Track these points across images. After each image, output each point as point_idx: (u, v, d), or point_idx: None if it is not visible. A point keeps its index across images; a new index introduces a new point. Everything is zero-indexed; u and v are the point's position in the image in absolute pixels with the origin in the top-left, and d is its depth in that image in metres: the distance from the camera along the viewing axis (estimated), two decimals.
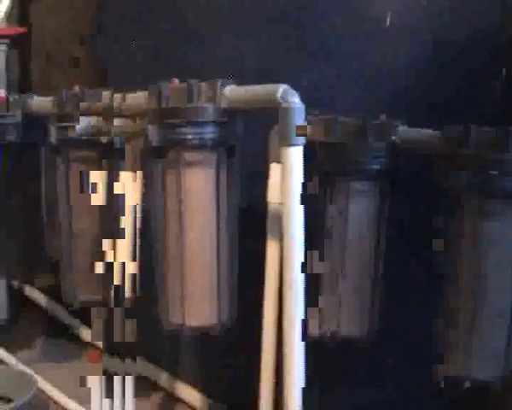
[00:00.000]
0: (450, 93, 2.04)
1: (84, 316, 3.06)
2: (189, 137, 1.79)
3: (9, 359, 2.99)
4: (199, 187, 1.83)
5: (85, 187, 2.12)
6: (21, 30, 3.09)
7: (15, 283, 3.34)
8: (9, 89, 3.18)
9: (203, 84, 1.80)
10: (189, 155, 1.81)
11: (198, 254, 1.85)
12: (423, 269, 2.00)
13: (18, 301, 3.39)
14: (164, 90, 1.84)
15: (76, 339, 3.20)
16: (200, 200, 1.84)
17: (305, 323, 1.71)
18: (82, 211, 2.16)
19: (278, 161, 2.05)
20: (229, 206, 1.87)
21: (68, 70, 3.32)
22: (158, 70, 2.64)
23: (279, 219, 2.07)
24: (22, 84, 3.46)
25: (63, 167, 2.16)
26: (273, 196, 2.08)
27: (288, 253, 1.68)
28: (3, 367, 2.89)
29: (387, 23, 2.10)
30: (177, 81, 1.88)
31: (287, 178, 1.67)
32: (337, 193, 1.98)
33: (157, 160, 1.86)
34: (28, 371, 2.80)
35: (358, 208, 1.97)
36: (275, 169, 2.08)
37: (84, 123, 2.00)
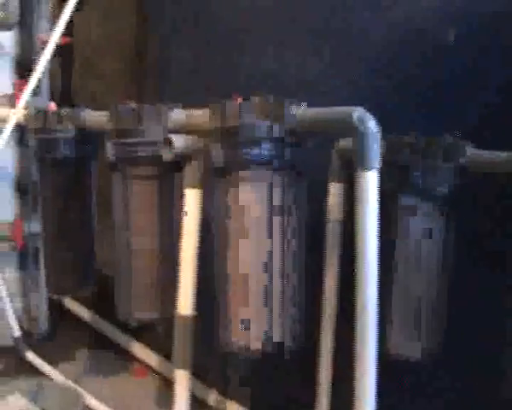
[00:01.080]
0: None
1: (127, 328, 3.02)
2: (255, 156, 1.76)
3: (53, 373, 2.96)
4: (261, 206, 1.80)
5: (146, 204, 2.09)
6: (67, 40, 3.06)
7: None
8: (53, 97, 3.16)
9: (269, 102, 1.77)
10: (252, 174, 1.79)
11: (257, 272, 1.82)
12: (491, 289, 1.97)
13: (57, 312, 3.35)
14: (228, 108, 1.80)
15: (119, 352, 3.15)
16: (262, 219, 1.80)
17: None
18: (141, 228, 2.12)
19: (339, 180, 2.04)
20: (293, 225, 1.84)
21: (108, 80, 3.30)
22: (201, 82, 2.62)
23: (338, 236, 2.07)
24: (63, 92, 3.44)
25: (121, 184, 2.12)
26: (333, 213, 2.06)
27: (363, 277, 1.64)
28: (49, 382, 2.86)
29: (452, 39, 2.06)
30: (240, 99, 1.85)
31: (363, 202, 1.63)
32: (400, 214, 1.94)
33: (219, 179, 1.85)
34: (73, 385, 2.77)
35: (421, 230, 1.93)
36: (335, 187, 2.06)
37: (181, 141, 1.94)
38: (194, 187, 1.98)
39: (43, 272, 3.19)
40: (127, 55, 3.19)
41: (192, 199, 1.99)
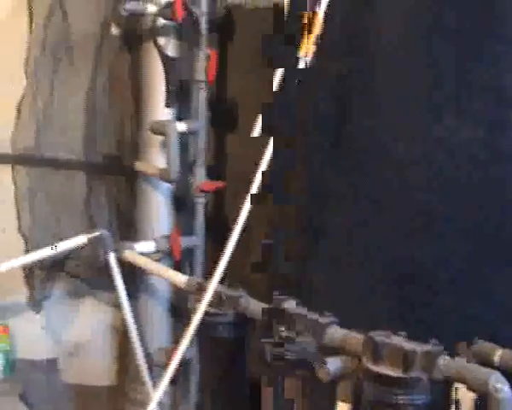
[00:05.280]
0: None
1: None
2: (403, 402, 1.91)
3: None
4: None
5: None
6: (221, 185, 3.26)
7: None
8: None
9: (418, 352, 1.92)
10: None
11: None
12: None
13: None
14: (380, 348, 1.98)
15: None
16: None
17: None
18: None
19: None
20: None
21: None
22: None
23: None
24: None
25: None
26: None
27: None
28: None
29: None
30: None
31: None
32: None
33: None
34: None
35: None
36: None
37: (335, 365, 2.09)
38: (344, 401, 2.20)
39: (192, 384, 3.51)
40: None
41: None
